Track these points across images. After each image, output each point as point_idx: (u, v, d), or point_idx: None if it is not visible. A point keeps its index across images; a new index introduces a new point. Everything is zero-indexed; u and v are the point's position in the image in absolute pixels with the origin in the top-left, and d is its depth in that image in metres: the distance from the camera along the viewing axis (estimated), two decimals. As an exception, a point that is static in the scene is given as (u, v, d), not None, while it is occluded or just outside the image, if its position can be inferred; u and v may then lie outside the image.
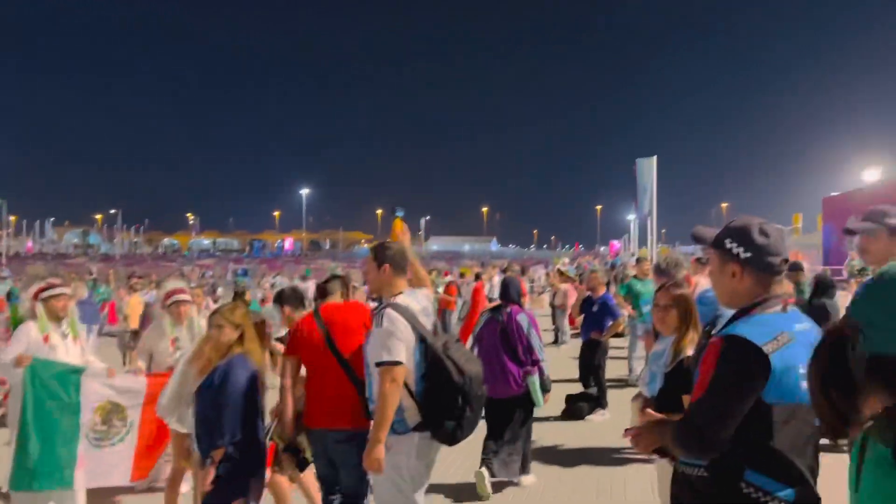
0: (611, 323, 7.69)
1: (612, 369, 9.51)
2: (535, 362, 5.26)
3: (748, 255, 1.95)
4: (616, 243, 53.01)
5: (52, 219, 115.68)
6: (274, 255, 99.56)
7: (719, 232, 2.05)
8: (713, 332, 2.17)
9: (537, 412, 5.63)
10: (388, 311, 3.28)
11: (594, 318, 7.87)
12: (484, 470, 5.13)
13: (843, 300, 6.78)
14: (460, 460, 5.69)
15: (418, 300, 3.48)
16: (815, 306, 6.39)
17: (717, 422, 1.80)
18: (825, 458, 1.95)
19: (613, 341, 8.80)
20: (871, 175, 39.16)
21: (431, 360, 3.26)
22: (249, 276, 35.18)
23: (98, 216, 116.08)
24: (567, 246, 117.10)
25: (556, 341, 14.12)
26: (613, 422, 7.27)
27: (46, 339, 4.66)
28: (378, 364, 3.20)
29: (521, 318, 5.32)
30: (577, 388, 8.07)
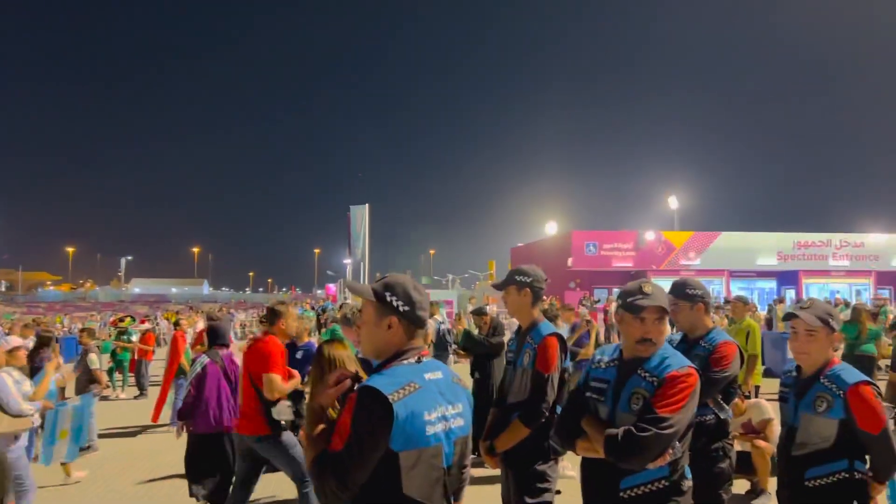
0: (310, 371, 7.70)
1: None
2: None
3: (406, 308, 2.12)
4: (332, 287, 53.69)
5: None
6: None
7: (377, 286, 2.19)
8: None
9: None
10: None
11: (297, 365, 7.78)
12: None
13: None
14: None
15: None
16: (494, 343, 7.76)
17: (350, 470, 1.89)
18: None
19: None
20: (550, 228, 45.55)
21: None
22: None
23: None
24: (284, 289, 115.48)
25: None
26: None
27: None
28: None
29: (236, 359, 5.92)
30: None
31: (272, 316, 5.40)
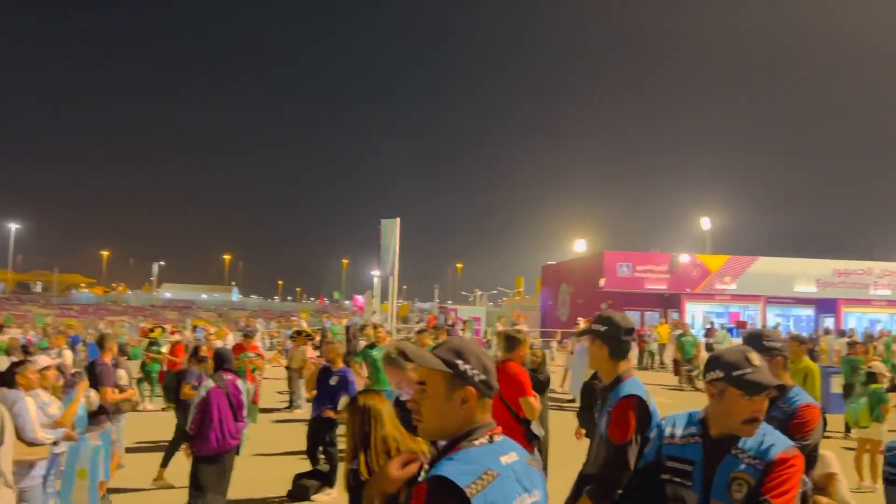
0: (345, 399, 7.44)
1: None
2: (244, 418, 6.26)
3: (483, 377, 1.82)
4: (359, 298, 53.57)
5: None
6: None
7: (444, 353, 1.84)
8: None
9: (263, 493, 6.39)
10: None
11: (330, 391, 7.56)
12: None
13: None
14: None
15: None
16: (541, 380, 7.24)
17: None
18: None
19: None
20: (579, 246, 44.94)
21: None
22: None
23: None
24: (312, 298, 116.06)
25: (290, 405, 13.53)
26: (341, 501, 6.98)
27: None
28: None
29: (240, 383, 6.23)
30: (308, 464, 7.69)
31: (512, 343, 5.73)
